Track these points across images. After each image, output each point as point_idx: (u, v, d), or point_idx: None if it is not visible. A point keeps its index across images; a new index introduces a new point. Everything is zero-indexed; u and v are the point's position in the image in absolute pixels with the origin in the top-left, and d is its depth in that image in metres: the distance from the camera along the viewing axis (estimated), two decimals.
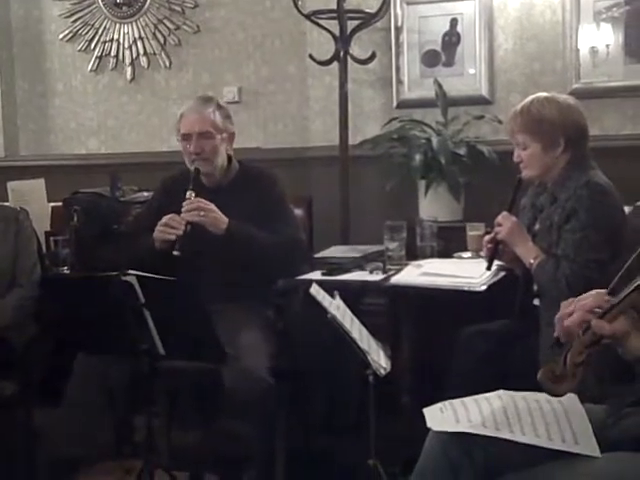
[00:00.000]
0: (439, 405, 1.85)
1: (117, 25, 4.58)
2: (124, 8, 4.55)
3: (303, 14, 3.75)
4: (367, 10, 3.76)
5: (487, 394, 1.85)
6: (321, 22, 3.75)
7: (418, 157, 3.64)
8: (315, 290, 2.56)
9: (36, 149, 4.81)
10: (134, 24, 4.55)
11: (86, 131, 4.70)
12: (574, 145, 2.68)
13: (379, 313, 3.37)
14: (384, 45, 3.93)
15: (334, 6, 3.68)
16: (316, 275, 3.12)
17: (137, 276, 2.44)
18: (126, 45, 4.57)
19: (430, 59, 3.92)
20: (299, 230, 3.19)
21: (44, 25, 4.72)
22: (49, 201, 3.91)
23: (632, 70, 3.63)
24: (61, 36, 4.67)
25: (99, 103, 4.67)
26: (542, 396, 1.79)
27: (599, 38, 3.66)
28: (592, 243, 2.56)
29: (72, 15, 4.63)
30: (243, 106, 4.33)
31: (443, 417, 1.80)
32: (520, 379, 1.76)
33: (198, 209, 2.95)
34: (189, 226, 2.92)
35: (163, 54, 4.51)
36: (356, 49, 3.81)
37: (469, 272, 2.99)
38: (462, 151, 3.63)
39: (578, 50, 3.68)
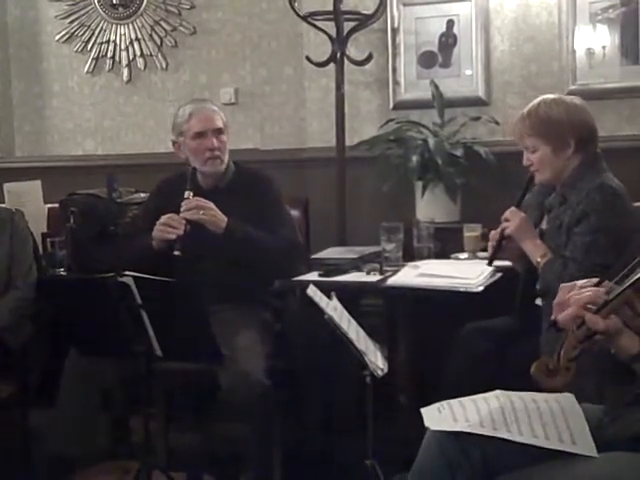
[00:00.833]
0: (437, 405, 1.85)
1: (114, 26, 4.57)
2: (120, 9, 4.54)
3: (299, 15, 3.75)
4: (364, 11, 3.76)
5: (485, 394, 1.85)
6: (318, 23, 3.75)
7: (415, 158, 3.63)
8: (312, 291, 2.56)
9: (32, 150, 4.79)
10: (131, 25, 4.54)
11: (83, 132, 4.69)
12: (584, 146, 2.65)
13: (376, 314, 3.38)
14: (381, 46, 3.93)
15: (331, 7, 3.68)
16: (313, 276, 3.12)
17: (134, 277, 2.44)
18: (123, 46, 4.56)
19: (427, 60, 3.92)
20: (295, 231, 3.20)
21: (40, 26, 4.71)
22: (45, 202, 3.90)
23: (628, 71, 3.63)
24: (57, 37, 4.66)
25: (96, 104, 4.65)
26: (539, 396, 1.79)
27: (595, 39, 3.66)
28: (601, 247, 2.53)
29: (68, 16, 4.62)
30: (240, 107, 4.34)
31: (441, 416, 1.80)
32: (520, 378, 1.75)
33: (197, 208, 2.96)
34: (188, 225, 2.93)
35: (160, 55, 4.51)
36: (353, 50, 3.81)
37: (466, 273, 3.00)
38: (459, 152, 3.62)
39: (574, 51, 3.69)
